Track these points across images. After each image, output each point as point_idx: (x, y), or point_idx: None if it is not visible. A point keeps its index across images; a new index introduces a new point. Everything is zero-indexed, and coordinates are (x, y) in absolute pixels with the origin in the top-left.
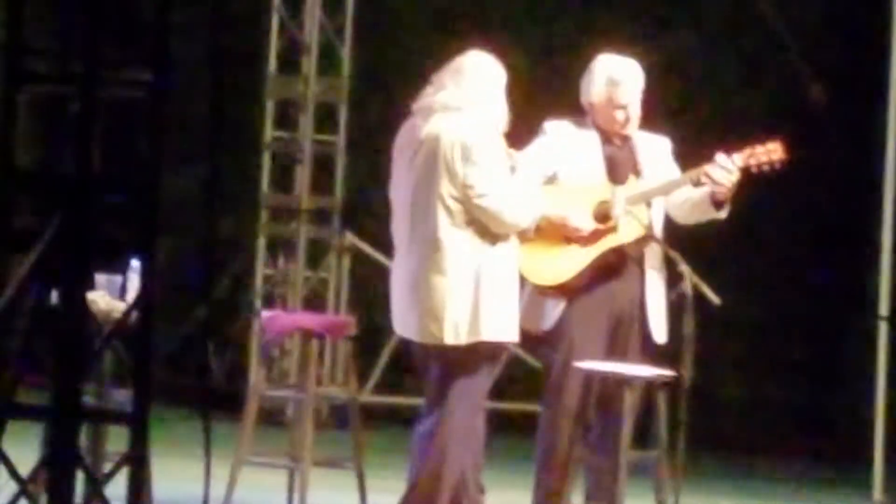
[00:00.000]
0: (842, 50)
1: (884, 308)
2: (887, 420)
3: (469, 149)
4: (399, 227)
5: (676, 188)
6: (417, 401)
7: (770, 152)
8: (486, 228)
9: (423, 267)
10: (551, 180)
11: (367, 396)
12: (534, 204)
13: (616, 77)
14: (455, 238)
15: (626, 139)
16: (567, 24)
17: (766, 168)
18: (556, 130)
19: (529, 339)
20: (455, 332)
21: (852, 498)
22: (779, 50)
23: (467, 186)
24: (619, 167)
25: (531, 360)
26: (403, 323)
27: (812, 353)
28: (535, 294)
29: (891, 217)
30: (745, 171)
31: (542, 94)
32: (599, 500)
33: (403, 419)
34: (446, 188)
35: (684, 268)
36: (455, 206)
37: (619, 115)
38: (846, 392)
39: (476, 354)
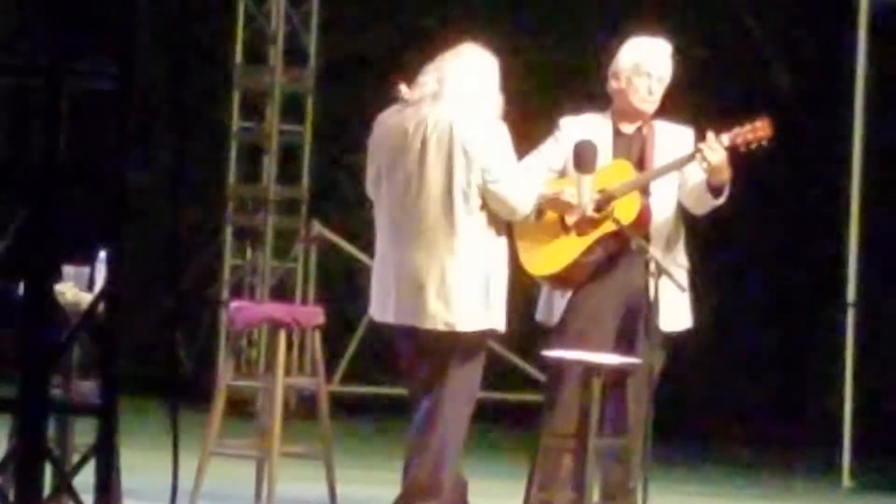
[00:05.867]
0: (810, 39)
1: (851, 294)
2: (856, 407)
3: (489, 135)
4: (392, 214)
5: (667, 172)
6: (385, 391)
7: (757, 129)
8: (494, 216)
9: (434, 251)
10: (561, 176)
11: (336, 387)
12: (534, 193)
13: (647, 47)
14: (469, 223)
15: (642, 128)
16: (533, 16)
17: (753, 146)
18: (570, 126)
19: (544, 332)
20: (470, 319)
21: (821, 484)
22: (746, 36)
23: (485, 171)
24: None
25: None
26: (401, 309)
27: (781, 339)
28: (546, 287)
29: (858, 204)
30: (734, 150)
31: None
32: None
33: (371, 409)
34: (463, 173)
35: (651, 257)
36: (471, 192)
37: (642, 84)
38: (815, 379)
39: (482, 342)
